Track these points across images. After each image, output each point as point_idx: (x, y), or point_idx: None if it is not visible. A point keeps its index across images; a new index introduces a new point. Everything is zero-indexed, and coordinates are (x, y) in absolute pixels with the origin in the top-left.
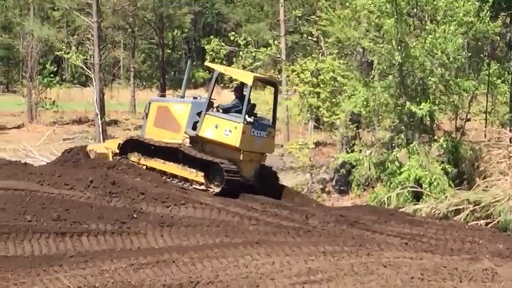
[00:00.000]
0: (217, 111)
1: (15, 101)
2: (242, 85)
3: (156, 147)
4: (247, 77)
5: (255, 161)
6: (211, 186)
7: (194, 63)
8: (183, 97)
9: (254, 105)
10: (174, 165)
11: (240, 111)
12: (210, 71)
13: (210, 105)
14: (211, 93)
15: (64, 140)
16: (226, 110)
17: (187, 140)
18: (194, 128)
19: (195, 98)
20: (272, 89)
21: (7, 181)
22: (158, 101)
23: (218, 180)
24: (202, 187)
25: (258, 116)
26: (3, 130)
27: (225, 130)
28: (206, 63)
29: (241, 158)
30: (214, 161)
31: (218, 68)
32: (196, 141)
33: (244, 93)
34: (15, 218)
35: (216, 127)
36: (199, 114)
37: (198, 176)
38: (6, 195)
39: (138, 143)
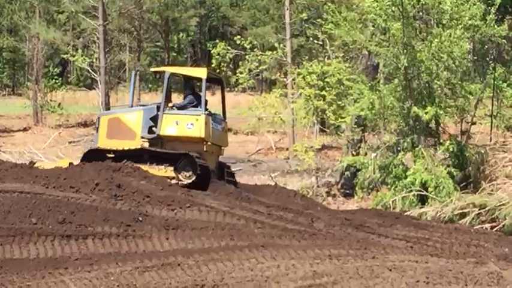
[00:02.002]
0: (173, 109)
1: (21, 103)
2: (192, 82)
3: (119, 154)
4: (201, 72)
5: (215, 154)
6: (183, 178)
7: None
8: (131, 106)
9: (206, 101)
10: (141, 167)
11: (195, 107)
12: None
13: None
14: (166, 94)
15: (70, 143)
16: (182, 107)
17: (146, 144)
18: (150, 132)
19: (142, 105)
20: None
21: (13, 184)
22: (108, 114)
23: (189, 171)
24: (174, 181)
25: (210, 111)
26: (9, 133)
27: (187, 124)
28: (152, 69)
29: (205, 149)
30: (184, 152)
31: (168, 69)
32: (155, 142)
33: (196, 89)
34: (21, 220)
35: (177, 123)
36: (152, 119)
37: (168, 171)
38: (12, 198)
39: (99, 152)
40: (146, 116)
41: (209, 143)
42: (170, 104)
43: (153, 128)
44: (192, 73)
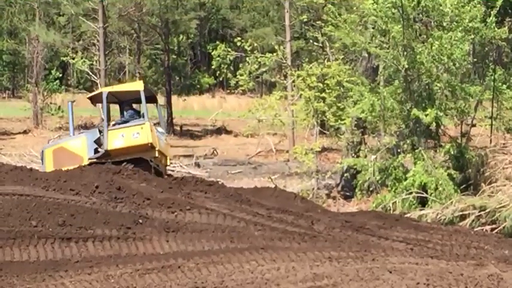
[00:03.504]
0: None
1: (21, 106)
2: (129, 99)
3: None
4: (138, 85)
5: (163, 163)
6: None
7: (197, 69)
8: (73, 135)
9: (143, 114)
10: None
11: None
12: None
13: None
14: (107, 112)
15: None
16: (124, 122)
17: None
18: (96, 153)
19: (81, 132)
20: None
21: (13, 186)
22: (51, 146)
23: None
24: None
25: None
26: (9, 135)
27: (133, 134)
28: (87, 96)
29: (156, 155)
30: (138, 157)
31: (104, 89)
32: (104, 159)
33: (134, 106)
34: (21, 223)
35: (123, 135)
36: (96, 141)
37: None
38: (12, 200)
39: None
40: (90, 140)
41: (157, 149)
42: (112, 122)
43: (99, 149)
44: (129, 88)
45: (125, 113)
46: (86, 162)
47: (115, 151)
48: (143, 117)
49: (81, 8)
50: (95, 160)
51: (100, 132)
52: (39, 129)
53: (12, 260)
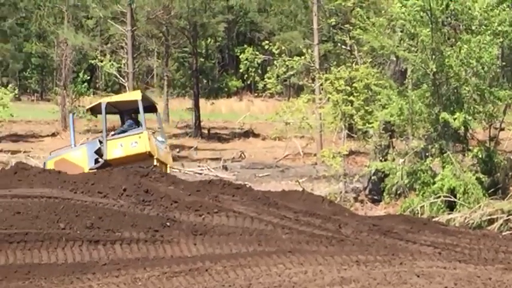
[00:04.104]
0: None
1: (49, 109)
2: (128, 109)
3: None
4: (135, 95)
5: (163, 171)
6: None
7: (225, 72)
8: (74, 146)
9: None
10: None
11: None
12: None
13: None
14: (105, 122)
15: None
16: (123, 132)
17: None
18: (97, 163)
19: (82, 144)
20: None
21: (41, 189)
22: (52, 158)
23: None
24: None
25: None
26: (37, 138)
27: (131, 143)
28: (86, 108)
29: (155, 163)
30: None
31: (103, 100)
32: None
33: (133, 115)
34: (49, 225)
35: (122, 145)
36: (96, 152)
37: None
38: (40, 203)
39: None
40: (90, 151)
41: (156, 157)
42: (112, 132)
43: (99, 159)
44: (127, 97)
45: (125, 122)
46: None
47: (114, 160)
48: (140, 126)
49: (109, 11)
50: (95, 170)
51: (100, 142)
52: (68, 131)
53: (40, 263)
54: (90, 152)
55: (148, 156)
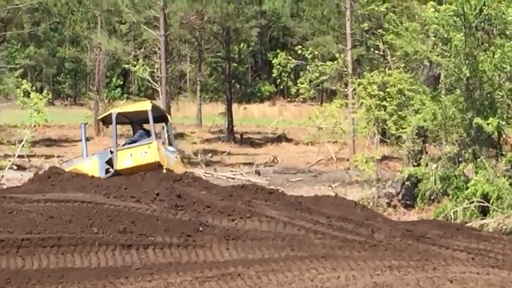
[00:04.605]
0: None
1: (83, 113)
2: (139, 119)
3: None
4: (145, 105)
5: None
6: None
7: (257, 77)
8: (86, 156)
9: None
10: None
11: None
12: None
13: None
14: (116, 132)
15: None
16: (133, 142)
17: None
18: (107, 173)
19: (93, 154)
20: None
21: (74, 193)
22: (65, 168)
23: None
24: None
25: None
26: (70, 143)
27: (141, 153)
28: (99, 118)
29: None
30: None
31: (114, 110)
32: None
33: (144, 125)
34: (82, 230)
35: (131, 155)
36: (107, 162)
37: None
38: (74, 207)
39: None
40: (101, 161)
41: (165, 167)
42: (122, 142)
43: (110, 169)
44: (138, 108)
45: (135, 133)
46: None
47: (124, 170)
48: (153, 133)
49: (142, 16)
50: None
51: (111, 153)
52: (101, 136)
53: (73, 267)
54: (101, 162)
55: (158, 166)
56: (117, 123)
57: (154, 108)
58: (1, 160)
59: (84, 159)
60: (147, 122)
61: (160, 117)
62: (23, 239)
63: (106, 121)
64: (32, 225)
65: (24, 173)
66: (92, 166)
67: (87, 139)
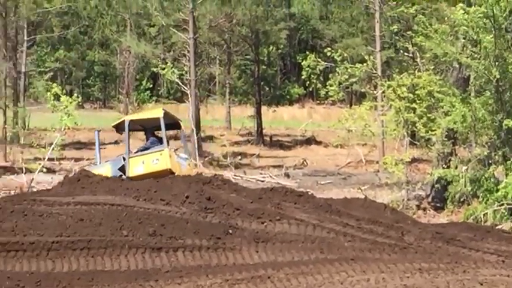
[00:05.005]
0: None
1: (112, 117)
2: (152, 127)
3: None
4: (157, 113)
5: None
6: None
7: (287, 79)
8: (99, 163)
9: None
10: None
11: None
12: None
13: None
14: (128, 139)
15: None
16: (145, 149)
17: None
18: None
19: (106, 161)
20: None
21: (104, 196)
22: None
23: None
24: None
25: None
26: (101, 145)
27: (153, 161)
28: (113, 125)
29: None
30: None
31: (126, 118)
32: None
33: (156, 132)
34: (112, 233)
35: (143, 162)
36: (120, 168)
37: None
38: (103, 210)
39: None
40: (114, 168)
41: (177, 175)
42: (134, 150)
43: (122, 176)
44: (150, 115)
45: (148, 140)
46: None
47: (137, 177)
48: (164, 140)
49: (171, 19)
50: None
51: (124, 160)
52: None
53: (103, 269)
54: (114, 169)
55: (170, 173)
56: (129, 130)
57: (167, 115)
58: (31, 163)
59: (97, 166)
60: (160, 129)
61: (173, 124)
62: (53, 241)
63: (119, 128)
64: (62, 228)
65: (54, 176)
66: (105, 173)
67: (116, 142)
